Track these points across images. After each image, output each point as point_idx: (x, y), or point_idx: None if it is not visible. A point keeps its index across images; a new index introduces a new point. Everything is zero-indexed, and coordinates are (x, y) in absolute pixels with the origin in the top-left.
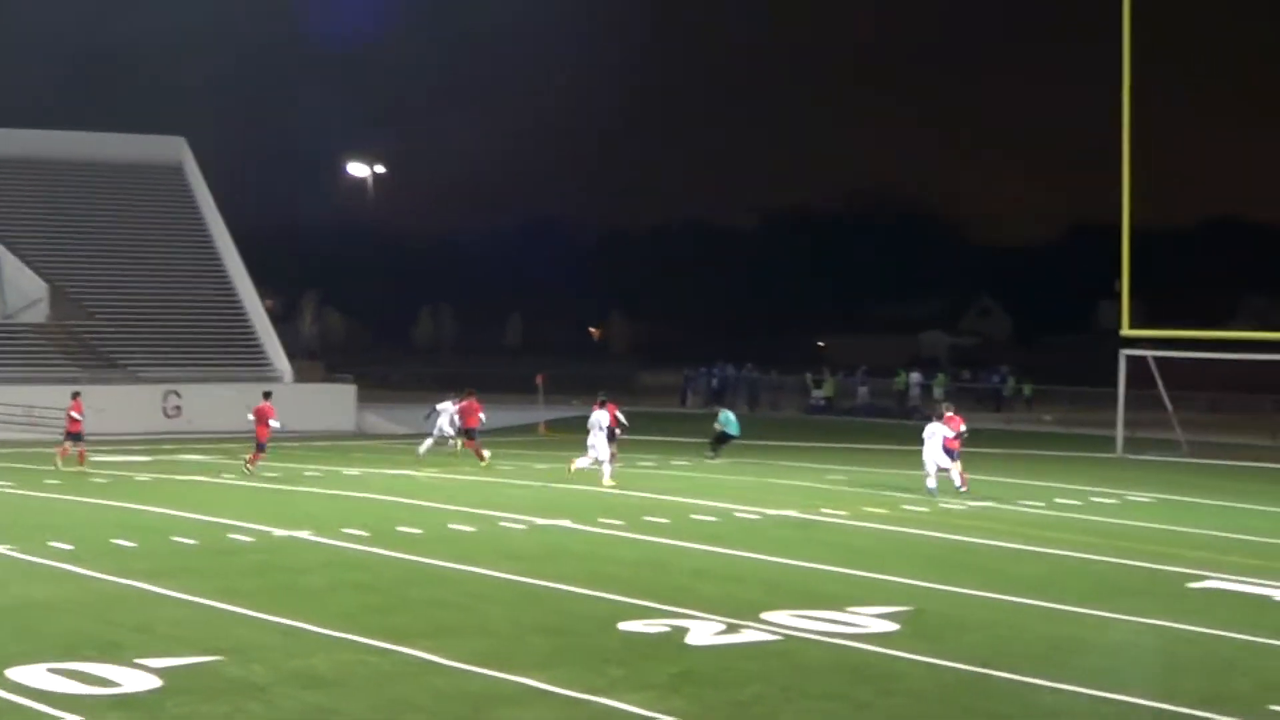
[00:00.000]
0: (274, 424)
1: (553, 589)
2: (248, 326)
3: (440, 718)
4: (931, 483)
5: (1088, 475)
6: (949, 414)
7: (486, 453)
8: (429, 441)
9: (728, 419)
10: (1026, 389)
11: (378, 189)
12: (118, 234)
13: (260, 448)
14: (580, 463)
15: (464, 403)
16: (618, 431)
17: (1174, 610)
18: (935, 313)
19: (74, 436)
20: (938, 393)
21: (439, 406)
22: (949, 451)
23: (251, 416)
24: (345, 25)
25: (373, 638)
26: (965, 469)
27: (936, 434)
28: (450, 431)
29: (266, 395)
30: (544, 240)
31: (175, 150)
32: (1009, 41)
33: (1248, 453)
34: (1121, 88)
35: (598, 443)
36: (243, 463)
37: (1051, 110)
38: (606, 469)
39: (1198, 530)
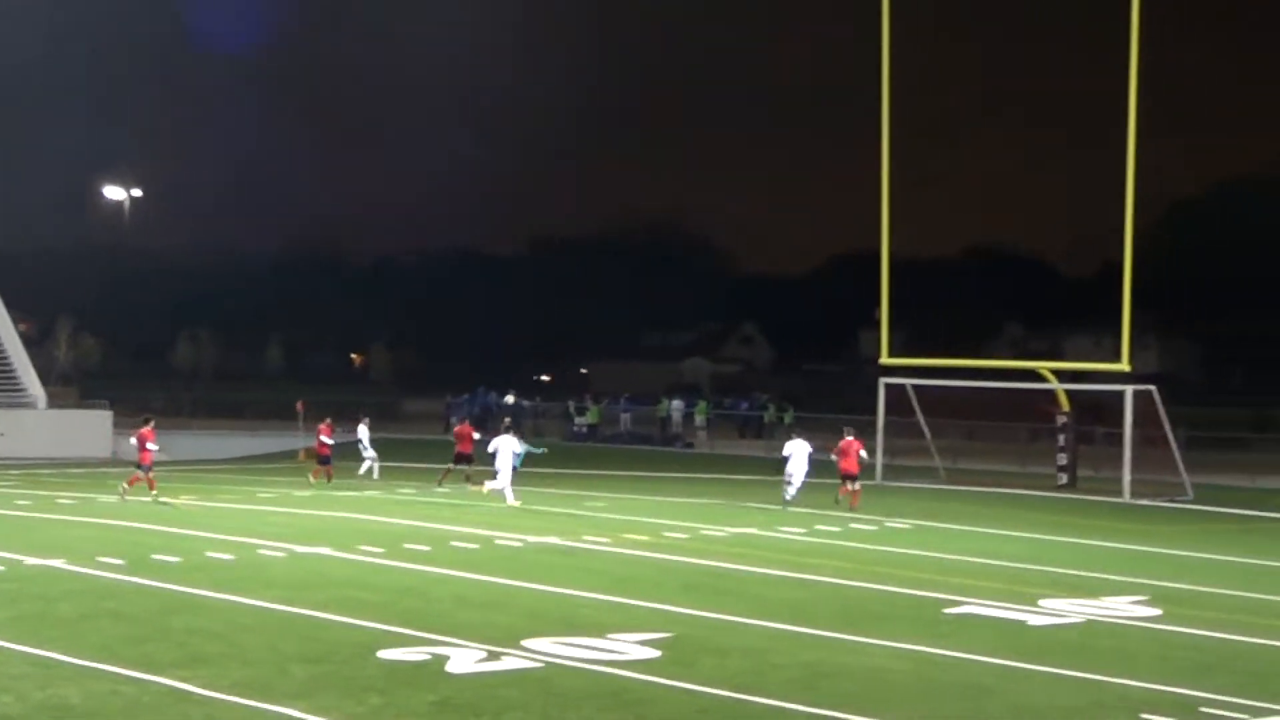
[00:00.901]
0: (152, 447)
1: (312, 617)
2: (0, 351)
3: None
4: (791, 493)
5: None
6: (850, 437)
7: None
8: (369, 464)
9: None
10: (787, 416)
11: (135, 212)
12: None
13: (146, 469)
14: (491, 484)
15: (141, 430)
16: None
17: (930, 635)
18: (698, 340)
19: None
20: (699, 420)
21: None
22: (849, 476)
23: (134, 441)
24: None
25: (128, 668)
26: (723, 495)
27: (801, 451)
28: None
29: (147, 421)
30: (308, 265)
31: None
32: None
33: (1002, 479)
34: (880, 118)
35: (503, 465)
36: (122, 492)
37: (814, 140)
38: (509, 493)
39: (954, 556)
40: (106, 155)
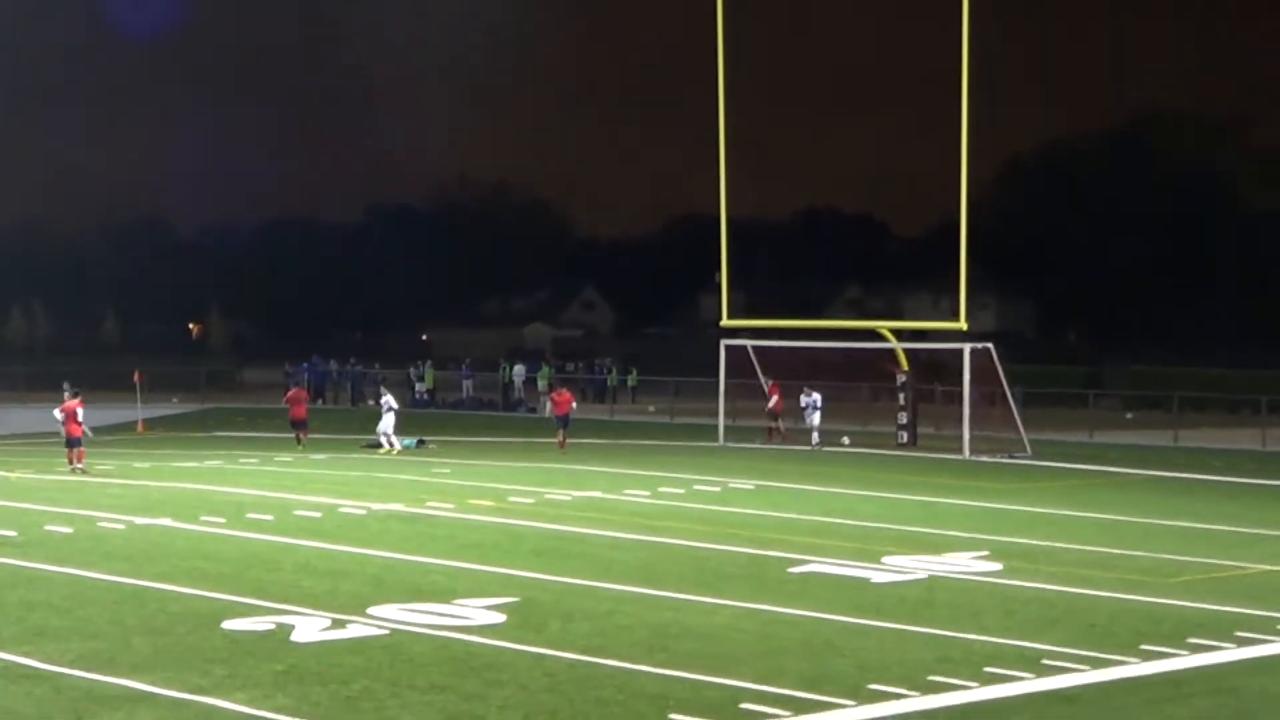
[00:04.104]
0: (81, 418)
1: (154, 589)
2: None
3: None
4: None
5: (691, 464)
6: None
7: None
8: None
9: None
10: (631, 380)
11: None
12: None
13: (76, 443)
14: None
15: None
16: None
17: (775, 594)
18: (539, 306)
19: None
20: (542, 385)
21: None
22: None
23: (59, 414)
24: None
25: None
26: (571, 460)
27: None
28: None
29: (74, 394)
30: (142, 237)
31: None
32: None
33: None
34: (717, 81)
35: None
36: (72, 468)
37: (652, 101)
38: (396, 442)
39: (797, 516)
40: None
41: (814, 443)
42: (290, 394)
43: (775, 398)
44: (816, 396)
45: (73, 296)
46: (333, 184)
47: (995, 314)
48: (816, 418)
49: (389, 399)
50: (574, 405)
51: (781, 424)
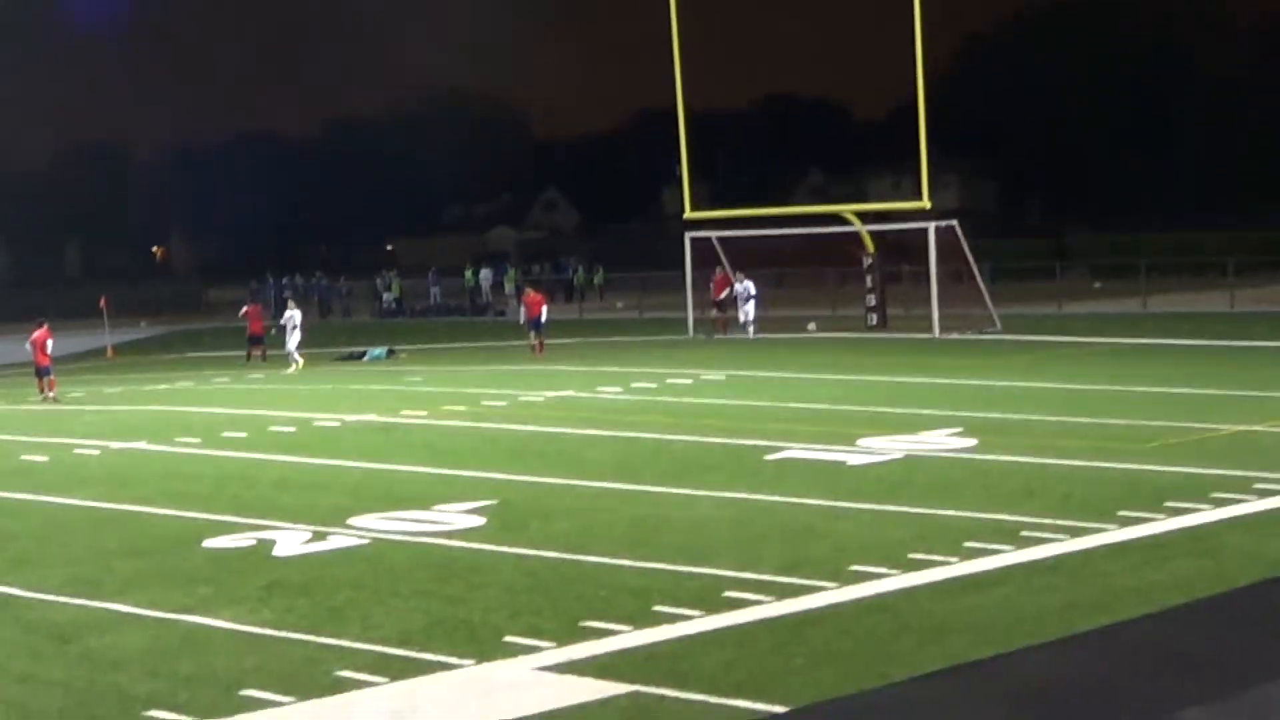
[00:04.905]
0: (49, 347)
1: (134, 512)
2: None
3: (29, 651)
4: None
5: (663, 358)
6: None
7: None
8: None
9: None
10: (598, 278)
11: None
12: None
13: (46, 372)
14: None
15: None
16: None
17: (752, 483)
18: (501, 210)
19: None
20: (508, 288)
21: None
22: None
23: (29, 345)
24: None
25: None
26: (542, 361)
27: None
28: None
29: (41, 323)
30: (98, 162)
31: None
32: None
33: (819, 324)
34: None
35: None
36: (44, 397)
37: None
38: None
39: (771, 404)
40: None
41: (750, 334)
42: (246, 309)
43: (715, 287)
44: (749, 284)
45: (30, 228)
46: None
47: (958, 192)
48: (750, 307)
49: (294, 315)
50: (544, 307)
51: (726, 313)
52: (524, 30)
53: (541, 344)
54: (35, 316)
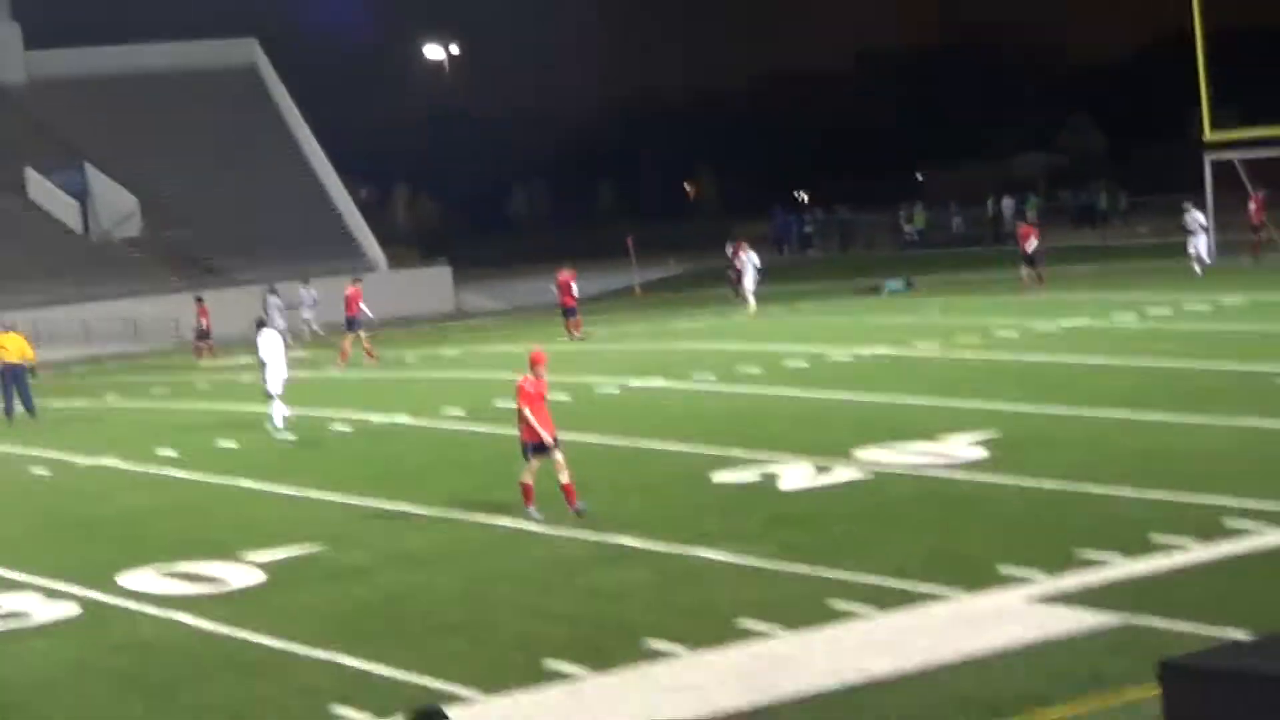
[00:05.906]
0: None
1: (646, 448)
2: (338, 219)
3: (535, 583)
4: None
5: (1181, 285)
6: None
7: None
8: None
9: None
10: (1121, 202)
11: (454, 70)
12: (200, 141)
13: (572, 313)
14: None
15: (350, 290)
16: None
17: (1262, 409)
18: (1029, 135)
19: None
20: (1030, 215)
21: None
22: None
23: (554, 287)
24: None
25: (473, 513)
26: (1057, 289)
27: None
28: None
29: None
30: (634, 107)
31: (248, 52)
32: None
33: None
34: None
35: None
36: (571, 337)
37: None
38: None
39: None
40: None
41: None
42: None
43: (1253, 208)
44: (753, 255)
45: (570, 171)
46: (823, 33)
47: None
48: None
49: (749, 257)
50: (1033, 239)
51: (1264, 235)
52: None
53: (1039, 276)
54: (567, 257)
